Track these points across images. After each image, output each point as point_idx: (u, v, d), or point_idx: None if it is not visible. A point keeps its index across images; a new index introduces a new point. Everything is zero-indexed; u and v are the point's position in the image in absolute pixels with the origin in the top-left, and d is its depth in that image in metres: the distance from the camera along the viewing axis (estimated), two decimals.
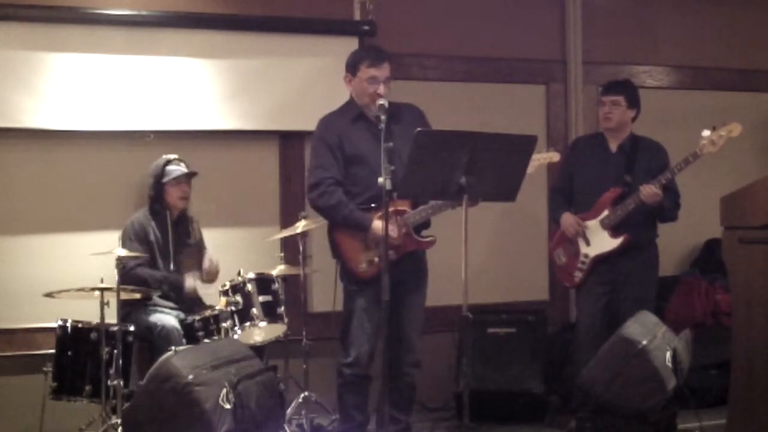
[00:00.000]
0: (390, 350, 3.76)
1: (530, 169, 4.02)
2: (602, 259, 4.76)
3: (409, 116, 4.17)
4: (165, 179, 4.75)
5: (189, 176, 4.81)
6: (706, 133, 4.51)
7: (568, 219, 4.85)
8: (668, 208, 4.72)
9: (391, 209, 4.04)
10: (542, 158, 4.28)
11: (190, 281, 4.75)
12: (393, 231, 4.00)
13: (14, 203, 5.00)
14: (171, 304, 4.69)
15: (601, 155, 4.87)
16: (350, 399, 4.20)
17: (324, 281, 4.79)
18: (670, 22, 6.19)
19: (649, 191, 4.54)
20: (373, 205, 4.09)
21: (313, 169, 4.18)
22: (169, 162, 4.79)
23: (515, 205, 4.09)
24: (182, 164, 4.82)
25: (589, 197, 4.82)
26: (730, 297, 4.30)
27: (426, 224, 4.23)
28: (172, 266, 4.75)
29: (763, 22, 6.34)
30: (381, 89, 4.09)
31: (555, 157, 4.35)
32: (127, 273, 4.41)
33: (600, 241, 4.75)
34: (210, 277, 4.84)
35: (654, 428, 4.20)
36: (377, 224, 4.03)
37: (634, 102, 4.83)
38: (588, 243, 4.79)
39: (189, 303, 4.77)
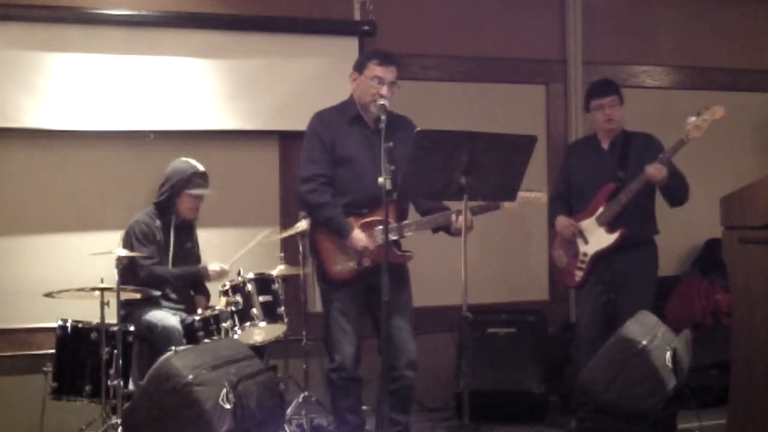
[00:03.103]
0: (386, 352, 3.74)
1: (516, 206, 4.07)
2: (601, 256, 4.76)
3: (406, 126, 4.16)
4: (189, 191, 4.73)
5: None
6: (691, 119, 4.54)
7: (561, 221, 4.87)
8: (676, 186, 4.68)
9: (368, 220, 4.07)
10: (530, 197, 4.21)
11: (214, 265, 4.77)
12: (369, 242, 4.05)
13: (14, 203, 5.01)
14: (171, 305, 4.70)
15: (594, 155, 4.89)
16: (342, 402, 4.18)
17: None
18: (670, 22, 6.20)
19: (657, 168, 4.53)
20: (365, 210, 4.10)
21: (307, 162, 4.17)
22: (197, 174, 4.75)
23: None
24: (205, 180, 4.79)
25: (585, 197, 4.83)
26: (730, 297, 4.30)
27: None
28: (171, 264, 4.73)
29: (763, 22, 6.34)
30: (384, 90, 4.10)
31: (543, 198, 4.30)
32: (143, 273, 4.50)
33: (597, 238, 4.76)
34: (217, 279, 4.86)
35: (654, 428, 4.19)
36: (357, 235, 4.06)
37: (622, 98, 4.87)
38: (586, 241, 4.79)
39: (190, 303, 4.78)
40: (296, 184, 4.21)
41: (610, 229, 4.72)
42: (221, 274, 4.79)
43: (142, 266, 4.53)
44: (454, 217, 4.06)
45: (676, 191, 4.74)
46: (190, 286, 4.85)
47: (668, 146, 4.65)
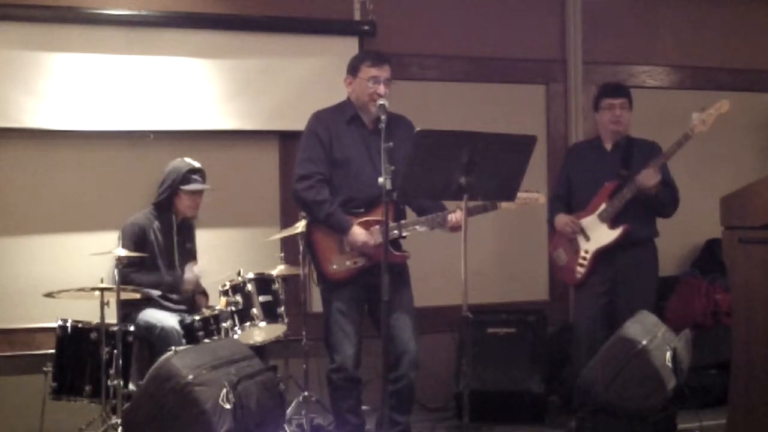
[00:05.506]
0: (387, 353, 3.74)
1: (514, 207, 4.07)
2: (603, 253, 4.76)
3: (403, 126, 4.18)
4: (184, 186, 4.73)
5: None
6: (696, 114, 4.57)
7: (561, 219, 4.88)
8: (664, 200, 4.73)
9: (365, 219, 4.08)
10: (528, 197, 4.21)
11: (189, 274, 4.74)
12: (370, 239, 4.04)
13: (14, 203, 5.01)
14: (171, 305, 4.69)
15: (596, 156, 4.91)
16: (342, 403, 4.19)
17: None
18: (670, 22, 6.19)
19: (648, 173, 4.56)
20: (361, 210, 4.10)
21: (303, 161, 4.17)
22: (192, 170, 4.76)
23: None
24: (201, 176, 4.80)
25: (587, 196, 4.84)
26: (730, 297, 4.30)
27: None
28: (177, 264, 4.74)
29: (763, 22, 6.34)
30: (381, 89, 4.10)
31: (541, 198, 4.30)
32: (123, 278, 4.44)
33: (599, 235, 4.76)
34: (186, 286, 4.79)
35: (654, 428, 4.20)
36: (356, 230, 4.05)
37: (632, 103, 4.89)
38: (587, 238, 4.80)
39: (189, 303, 4.77)
40: (293, 182, 4.20)
41: (613, 225, 4.73)
42: (193, 282, 4.76)
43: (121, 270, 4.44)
44: (450, 216, 4.07)
45: (663, 206, 4.76)
46: (173, 292, 4.73)
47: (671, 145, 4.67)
